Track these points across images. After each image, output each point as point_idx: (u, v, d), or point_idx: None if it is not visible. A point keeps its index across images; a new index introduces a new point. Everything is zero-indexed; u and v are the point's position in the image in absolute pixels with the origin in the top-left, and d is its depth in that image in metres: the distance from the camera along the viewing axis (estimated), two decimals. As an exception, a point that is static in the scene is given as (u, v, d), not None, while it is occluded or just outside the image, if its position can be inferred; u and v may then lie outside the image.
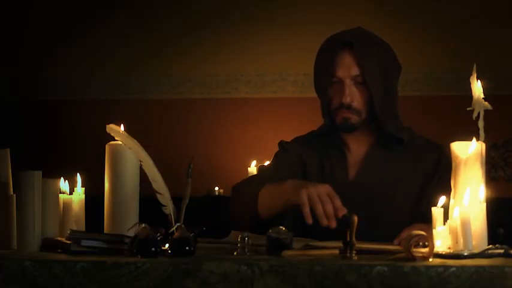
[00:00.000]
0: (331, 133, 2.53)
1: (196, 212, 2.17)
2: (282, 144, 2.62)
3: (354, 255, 1.84)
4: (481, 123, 1.96)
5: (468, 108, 1.98)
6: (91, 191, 2.29)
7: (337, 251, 1.87)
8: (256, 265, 1.74)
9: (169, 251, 1.88)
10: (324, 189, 2.14)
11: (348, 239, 1.85)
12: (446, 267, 1.69)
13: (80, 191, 2.20)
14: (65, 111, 5.68)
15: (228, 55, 5.64)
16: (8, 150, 2.14)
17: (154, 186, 2.01)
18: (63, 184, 2.18)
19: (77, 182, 2.21)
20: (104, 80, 5.68)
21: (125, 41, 5.69)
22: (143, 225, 1.91)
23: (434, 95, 5.50)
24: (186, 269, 1.75)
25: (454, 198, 1.94)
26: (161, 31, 5.67)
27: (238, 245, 1.94)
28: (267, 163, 4.94)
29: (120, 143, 2.07)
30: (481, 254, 1.85)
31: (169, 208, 2.00)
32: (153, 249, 1.85)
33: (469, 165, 1.94)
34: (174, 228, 1.95)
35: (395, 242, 2.12)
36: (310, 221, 2.10)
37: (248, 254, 1.93)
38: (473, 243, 1.86)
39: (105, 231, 2.09)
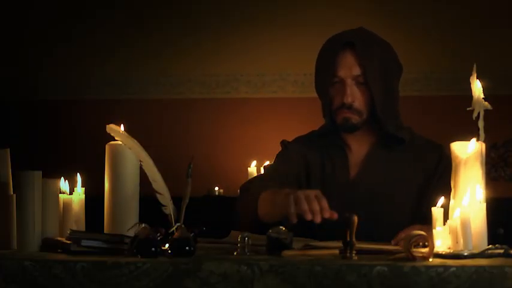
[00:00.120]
0: (332, 133, 2.53)
1: (196, 212, 2.17)
2: (284, 143, 2.62)
3: (354, 255, 1.84)
4: (481, 123, 1.96)
5: (468, 108, 1.98)
6: (91, 191, 2.29)
7: (337, 251, 1.87)
8: (256, 265, 1.74)
9: (169, 251, 1.88)
10: (313, 192, 2.13)
11: (348, 239, 1.85)
12: (446, 267, 1.69)
13: (80, 191, 2.20)
14: (65, 111, 5.69)
15: (228, 55, 5.64)
16: (8, 150, 2.14)
17: (154, 186, 2.01)
18: (63, 184, 2.18)
19: (77, 182, 2.21)
20: (104, 80, 5.68)
21: (125, 41, 5.69)
22: (143, 225, 1.91)
23: (434, 95, 5.50)
24: (186, 269, 1.75)
25: (454, 198, 1.94)
26: (161, 31, 5.67)
27: (238, 245, 1.94)
28: (267, 163, 4.97)
29: (120, 143, 2.07)
30: (481, 254, 1.85)
31: (169, 208, 2.00)
32: (153, 249, 1.85)
33: (469, 165, 1.94)
34: (174, 228, 1.95)
35: (393, 242, 2.12)
36: (294, 220, 2.11)
37: (248, 254, 1.93)
38: (473, 243, 1.86)
39: (105, 231, 2.09)
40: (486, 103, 1.97)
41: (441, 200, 1.96)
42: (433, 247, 1.83)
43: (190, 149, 5.28)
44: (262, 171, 5.04)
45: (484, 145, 1.96)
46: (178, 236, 1.89)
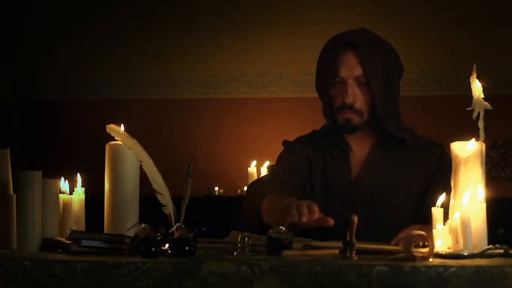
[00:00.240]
0: (333, 133, 2.53)
1: (196, 212, 2.17)
2: (286, 143, 2.61)
3: (354, 255, 1.84)
4: (481, 123, 1.96)
5: (468, 108, 1.98)
6: (91, 191, 2.29)
7: (337, 251, 1.87)
8: (256, 265, 1.74)
9: (169, 251, 1.88)
10: (305, 201, 2.11)
11: (348, 239, 1.85)
12: (446, 267, 1.69)
13: (80, 191, 2.20)
14: (65, 111, 5.69)
15: (228, 55, 5.64)
16: (8, 150, 2.14)
17: (154, 186, 2.01)
18: (63, 184, 2.18)
19: (77, 182, 2.21)
20: (104, 80, 5.68)
21: (125, 41, 5.70)
22: (143, 225, 1.91)
23: (434, 95, 5.50)
24: (186, 269, 1.75)
25: (454, 198, 1.94)
26: (161, 31, 5.68)
27: (238, 245, 1.94)
28: (267, 163, 4.97)
29: (120, 143, 2.07)
30: (481, 254, 1.85)
31: (169, 208, 2.00)
32: (153, 249, 1.85)
33: (469, 165, 1.94)
34: (174, 228, 1.95)
35: (393, 242, 2.12)
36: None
37: (248, 254, 1.92)
38: (473, 243, 1.86)
39: (105, 231, 2.09)
40: (486, 103, 1.97)
41: (442, 197, 1.96)
42: (433, 247, 1.82)
43: (190, 149, 5.28)
44: (262, 171, 5.05)
45: (484, 145, 1.96)
46: (178, 236, 1.89)
